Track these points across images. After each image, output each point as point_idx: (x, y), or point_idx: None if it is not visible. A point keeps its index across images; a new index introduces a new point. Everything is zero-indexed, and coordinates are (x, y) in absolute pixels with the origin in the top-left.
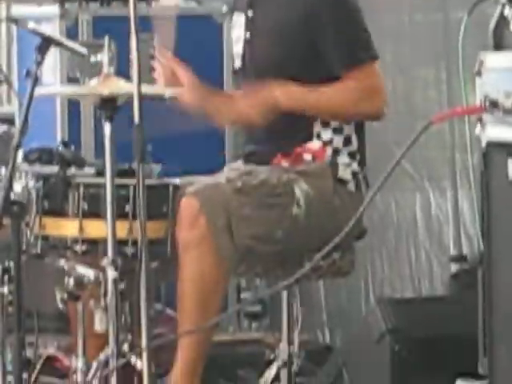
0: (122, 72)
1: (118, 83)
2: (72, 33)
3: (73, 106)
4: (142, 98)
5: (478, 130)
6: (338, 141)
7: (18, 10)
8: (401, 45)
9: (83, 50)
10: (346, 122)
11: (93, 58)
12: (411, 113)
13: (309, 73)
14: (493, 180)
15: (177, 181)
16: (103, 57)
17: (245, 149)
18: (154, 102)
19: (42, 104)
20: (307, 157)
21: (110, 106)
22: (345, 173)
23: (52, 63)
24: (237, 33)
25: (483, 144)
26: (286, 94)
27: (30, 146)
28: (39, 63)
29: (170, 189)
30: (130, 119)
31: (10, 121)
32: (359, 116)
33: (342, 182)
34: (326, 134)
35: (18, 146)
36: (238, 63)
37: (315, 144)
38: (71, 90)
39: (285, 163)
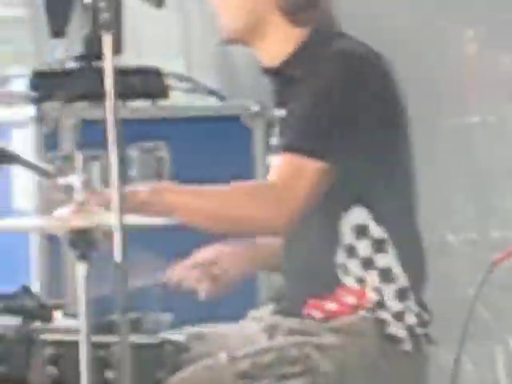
0: None
1: (96, 212)
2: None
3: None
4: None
5: None
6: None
7: None
8: None
9: (50, 169)
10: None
11: (61, 181)
12: None
13: None
14: None
15: (180, 337)
16: (74, 179)
17: (281, 290)
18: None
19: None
20: (349, 299)
21: (83, 241)
22: (396, 327)
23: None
24: None
25: None
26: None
27: None
28: None
29: (168, 349)
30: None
31: None
32: (247, 222)
33: (393, 339)
34: (354, 265)
35: None
36: None
37: (351, 281)
38: (31, 223)
39: (317, 313)
